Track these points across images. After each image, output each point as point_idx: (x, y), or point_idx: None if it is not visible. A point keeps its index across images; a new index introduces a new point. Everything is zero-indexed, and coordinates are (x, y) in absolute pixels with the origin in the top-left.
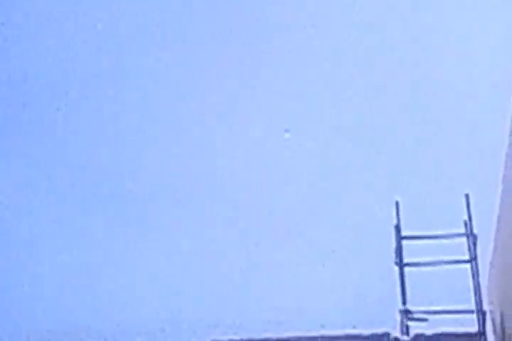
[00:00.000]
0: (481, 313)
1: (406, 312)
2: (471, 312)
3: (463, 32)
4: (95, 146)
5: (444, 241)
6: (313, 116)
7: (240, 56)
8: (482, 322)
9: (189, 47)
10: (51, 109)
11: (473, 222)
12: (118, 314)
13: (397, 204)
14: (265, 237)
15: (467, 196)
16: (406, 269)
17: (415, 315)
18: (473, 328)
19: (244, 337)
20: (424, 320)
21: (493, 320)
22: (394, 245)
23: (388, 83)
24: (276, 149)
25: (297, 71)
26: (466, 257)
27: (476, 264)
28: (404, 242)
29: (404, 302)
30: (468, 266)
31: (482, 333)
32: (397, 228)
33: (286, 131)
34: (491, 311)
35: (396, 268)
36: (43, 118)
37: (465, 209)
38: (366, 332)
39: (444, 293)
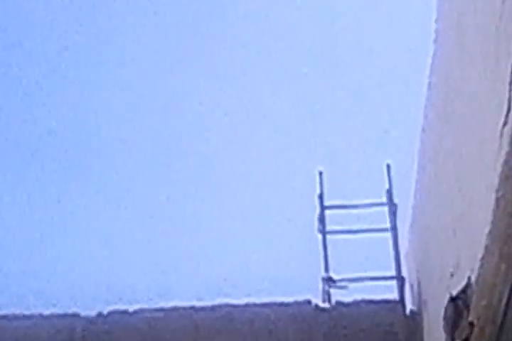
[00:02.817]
0: (401, 279)
1: (328, 280)
2: (392, 278)
3: None
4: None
5: (366, 210)
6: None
7: None
8: (401, 289)
9: None
10: None
11: (394, 192)
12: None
13: (320, 174)
14: (189, 205)
15: (388, 166)
16: (329, 237)
17: (338, 283)
18: (393, 295)
19: (166, 305)
20: (345, 287)
21: (411, 287)
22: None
23: (308, 53)
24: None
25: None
26: (387, 225)
27: (396, 233)
28: (328, 212)
29: (326, 270)
30: (389, 234)
31: (401, 299)
32: (321, 197)
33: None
34: (409, 278)
35: (319, 237)
36: None
37: (386, 179)
38: (288, 299)
39: (367, 262)
